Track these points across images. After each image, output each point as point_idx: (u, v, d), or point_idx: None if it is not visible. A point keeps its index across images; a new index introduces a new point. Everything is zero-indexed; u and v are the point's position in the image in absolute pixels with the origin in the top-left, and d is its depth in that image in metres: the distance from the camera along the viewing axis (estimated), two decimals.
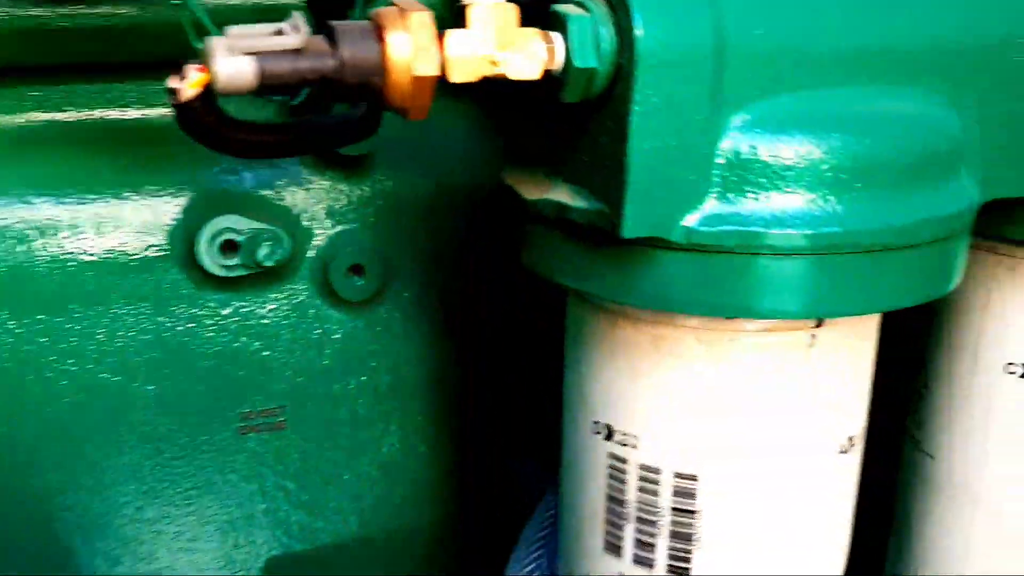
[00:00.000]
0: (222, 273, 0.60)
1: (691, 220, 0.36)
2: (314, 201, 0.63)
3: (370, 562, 0.67)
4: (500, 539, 0.62)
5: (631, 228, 0.35)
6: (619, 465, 0.44)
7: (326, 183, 0.63)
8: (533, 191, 0.40)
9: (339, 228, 0.64)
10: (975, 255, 0.54)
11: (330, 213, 0.63)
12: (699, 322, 0.41)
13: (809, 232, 0.36)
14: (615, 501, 0.45)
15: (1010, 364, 0.53)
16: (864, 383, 0.45)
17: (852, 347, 0.43)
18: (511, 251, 0.50)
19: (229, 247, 0.59)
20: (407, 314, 0.66)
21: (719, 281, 0.37)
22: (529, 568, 0.55)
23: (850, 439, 0.45)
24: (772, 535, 0.44)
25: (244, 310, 0.62)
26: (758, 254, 0.36)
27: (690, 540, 0.44)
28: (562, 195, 0.39)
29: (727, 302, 0.37)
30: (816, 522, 0.45)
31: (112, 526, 0.62)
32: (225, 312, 0.62)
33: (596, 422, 0.45)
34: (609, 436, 0.44)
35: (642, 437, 0.43)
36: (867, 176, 0.37)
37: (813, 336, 0.41)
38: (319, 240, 0.63)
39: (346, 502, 0.66)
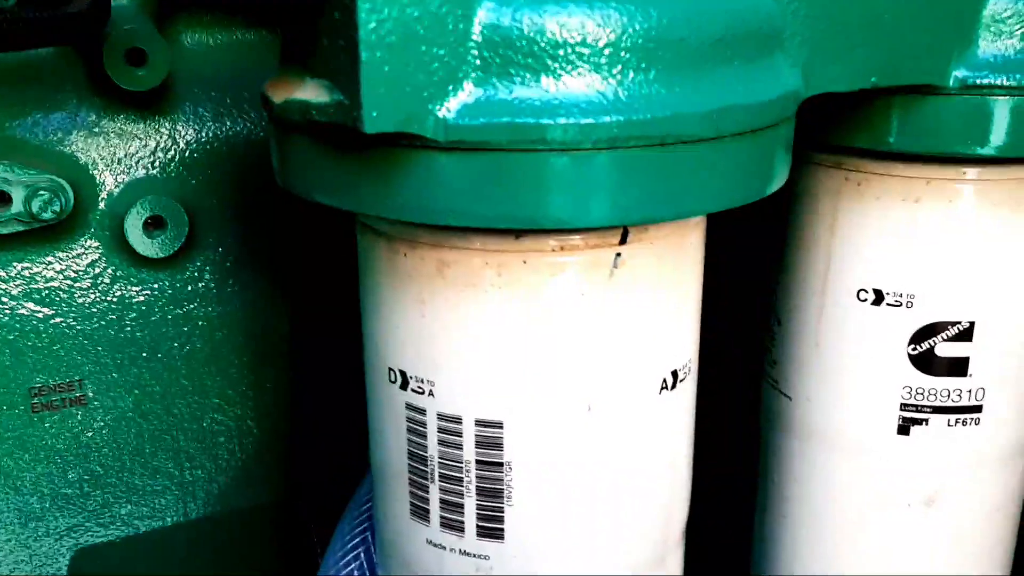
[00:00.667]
0: None
1: (447, 110, 0.30)
2: (102, 146, 0.56)
3: (194, 549, 0.61)
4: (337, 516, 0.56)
5: (374, 122, 0.29)
6: (417, 416, 0.38)
7: (116, 126, 0.56)
8: (281, 93, 0.34)
9: (133, 177, 0.57)
10: (820, 171, 0.49)
11: (122, 160, 0.56)
12: (485, 242, 0.35)
13: (590, 122, 0.30)
14: (417, 458, 0.39)
15: (862, 291, 0.49)
16: (686, 308, 0.40)
17: (667, 267, 0.38)
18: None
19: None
20: (221, 272, 0.59)
21: (491, 186, 0.31)
22: (347, 560, 0.49)
23: (674, 374, 0.40)
24: (594, 486, 0.39)
25: (26, 272, 0.55)
26: (531, 150, 0.31)
27: (501, 497, 0.38)
28: (308, 92, 0.32)
29: (501, 211, 0.32)
30: (643, 469, 0.40)
31: None
32: (2, 275, 0.54)
33: (390, 369, 0.39)
34: (404, 384, 0.38)
35: (438, 382, 0.37)
36: (656, 56, 0.31)
37: (618, 255, 0.36)
38: (110, 191, 0.56)
39: (163, 484, 0.59)
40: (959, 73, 0.42)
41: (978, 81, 0.42)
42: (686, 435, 0.42)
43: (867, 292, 0.49)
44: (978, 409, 0.50)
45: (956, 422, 0.50)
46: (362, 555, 0.48)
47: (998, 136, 0.43)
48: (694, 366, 0.42)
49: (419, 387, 0.38)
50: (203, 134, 0.57)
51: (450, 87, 0.30)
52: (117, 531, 0.59)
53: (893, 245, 0.48)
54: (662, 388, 0.39)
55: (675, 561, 0.45)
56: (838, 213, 0.49)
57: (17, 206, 0.52)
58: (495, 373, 0.37)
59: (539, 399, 0.37)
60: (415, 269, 0.37)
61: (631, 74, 0.31)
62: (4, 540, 0.56)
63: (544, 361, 0.36)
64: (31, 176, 0.52)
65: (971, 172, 0.46)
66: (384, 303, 0.38)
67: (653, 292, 0.37)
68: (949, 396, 0.49)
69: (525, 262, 0.35)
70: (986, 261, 0.47)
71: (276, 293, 0.60)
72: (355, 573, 0.48)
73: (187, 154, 0.57)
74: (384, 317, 0.39)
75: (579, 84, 0.31)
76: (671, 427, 0.40)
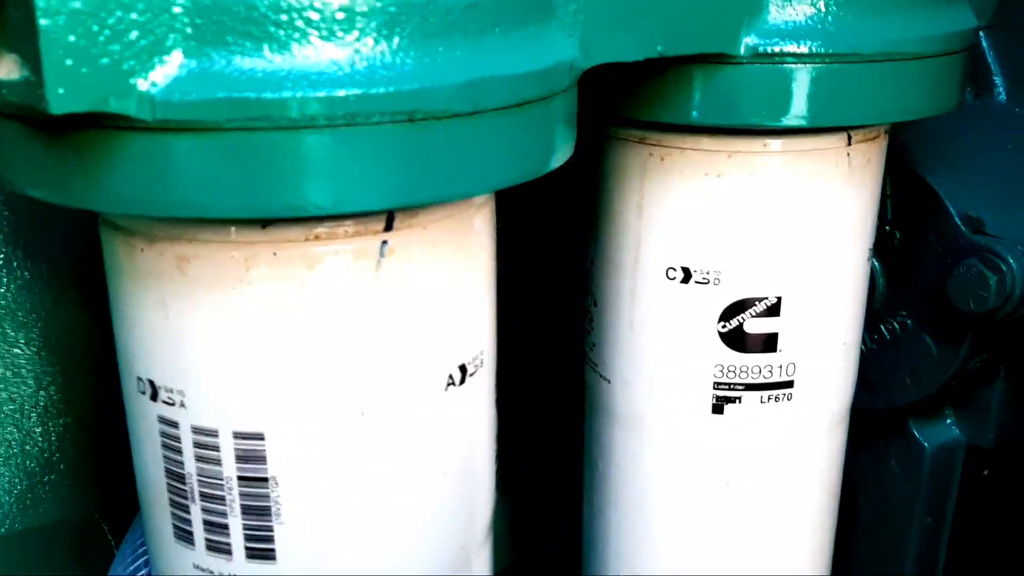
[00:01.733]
0: None
1: (152, 85, 0.26)
2: None
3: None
4: None
5: (61, 100, 0.25)
6: (170, 431, 0.34)
7: None
8: None
9: None
10: (627, 147, 0.47)
11: None
12: (228, 233, 0.31)
13: (322, 95, 0.27)
14: (175, 476, 0.35)
15: (671, 269, 0.47)
16: (473, 297, 0.37)
17: (444, 254, 0.35)
18: None
19: None
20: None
21: (214, 170, 0.27)
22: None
23: (462, 368, 0.37)
24: (375, 496, 0.35)
25: None
26: (258, 128, 0.27)
27: (268, 515, 0.34)
28: (2, 70, 0.28)
29: (228, 200, 0.28)
30: (432, 473, 0.37)
31: None
32: None
33: (139, 378, 0.35)
34: (154, 395, 0.34)
35: (189, 392, 0.33)
36: (399, 22, 0.28)
37: (384, 243, 0.33)
38: None
39: None
40: (750, 40, 0.40)
41: (769, 49, 0.40)
42: (482, 431, 0.40)
43: (675, 270, 0.47)
44: (789, 384, 0.49)
45: (769, 398, 0.49)
46: None
47: (797, 106, 0.42)
48: (488, 357, 0.39)
49: (169, 398, 0.34)
50: None
51: (155, 59, 0.26)
52: None
53: (699, 221, 0.46)
54: (448, 384, 0.36)
55: (482, 562, 0.43)
56: (644, 190, 0.47)
57: None
58: (251, 380, 0.33)
59: (304, 406, 0.33)
60: (154, 266, 0.32)
61: (370, 42, 0.28)
62: None
63: (306, 364, 0.33)
64: None
65: (772, 144, 0.45)
66: (127, 305, 0.34)
67: (430, 283, 0.34)
68: (760, 372, 0.48)
69: (275, 254, 0.31)
70: (790, 235, 0.46)
71: (63, 292, 0.54)
72: None
73: None
74: (128, 321, 0.34)
75: (310, 54, 0.27)
76: (461, 425, 0.38)
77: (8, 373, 0.54)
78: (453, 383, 0.36)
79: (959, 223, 0.60)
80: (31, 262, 0.53)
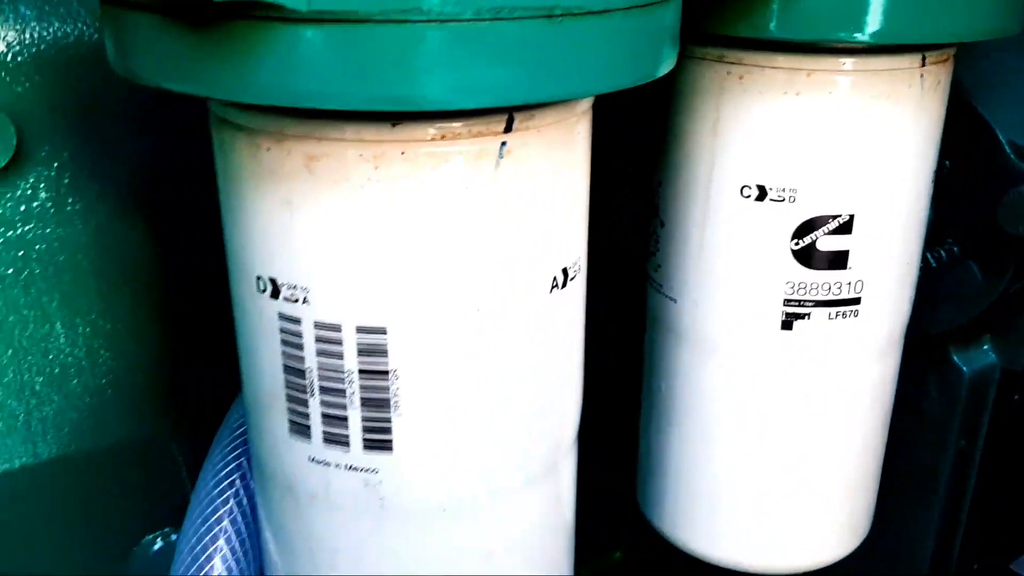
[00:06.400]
0: None
1: None
2: None
3: (46, 492, 0.56)
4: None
5: None
6: (292, 327, 0.35)
7: None
8: None
9: None
10: (703, 66, 0.48)
11: None
12: (359, 132, 0.32)
13: None
14: (294, 372, 0.36)
15: (745, 187, 0.48)
16: (576, 204, 0.38)
17: (555, 158, 0.36)
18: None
19: None
20: (57, 188, 0.53)
21: (361, 63, 0.28)
22: (222, 488, 0.46)
23: (564, 272, 0.38)
24: (485, 392, 0.37)
25: None
26: (406, 21, 0.28)
27: (387, 407, 0.36)
28: None
29: (373, 92, 0.29)
30: (535, 372, 0.38)
31: None
32: None
33: (259, 277, 0.36)
34: (275, 293, 0.35)
35: (312, 289, 0.35)
36: None
37: (503, 144, 0.33)
38: None
39: (7, 423, 0.54)
40: None
41: None
42: (577, 336, 0.41)
43: (750, 188, 0.48)
44: (856, 301, 0.50)
45: (836, 315, 0.50)
46: (237, 482, 0.45)
47: (874, 21, 0.43)
48: (583, 264, 0.40)
49: (292, 295, 0.35)
50: (26, 36, 0.51)
51: None
52: None
53: (776, 140, 0.47)
54: (552, 287, 0.37)
55: (568, 466, 0.44)
56: (721, 109, 0.48)
57: None
58: (375, 276, 0.34)
59: (425, 302, 0.34)
60: (280, 166, 0.33)
61: None
62: None
63: (428, 261, 0.34)
64: None
65: (849, 63, 0.46)
66: (247, 206, 0.35)
67: (542, 185, 0.35)
68: (830, 289, 0.49)
69: (403, 153, 0.32)
70: (865, 153, 0.47)
71: (129, 211, 0.55)
72: (231, 501, 0.45)
73: (8, 59, 0.51)
74: (248, 222, 0.35)
75: None
76: (561, 327, 0.39)
77: (74, 291, 0.55)
78: (556, 285, 0.38)
79: (1009, 151, 0.61)
80: (97, 184, 0.54)
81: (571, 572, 0.47)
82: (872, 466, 0.58)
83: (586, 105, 0.37)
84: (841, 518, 0.57)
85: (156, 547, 0.61)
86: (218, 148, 0.36)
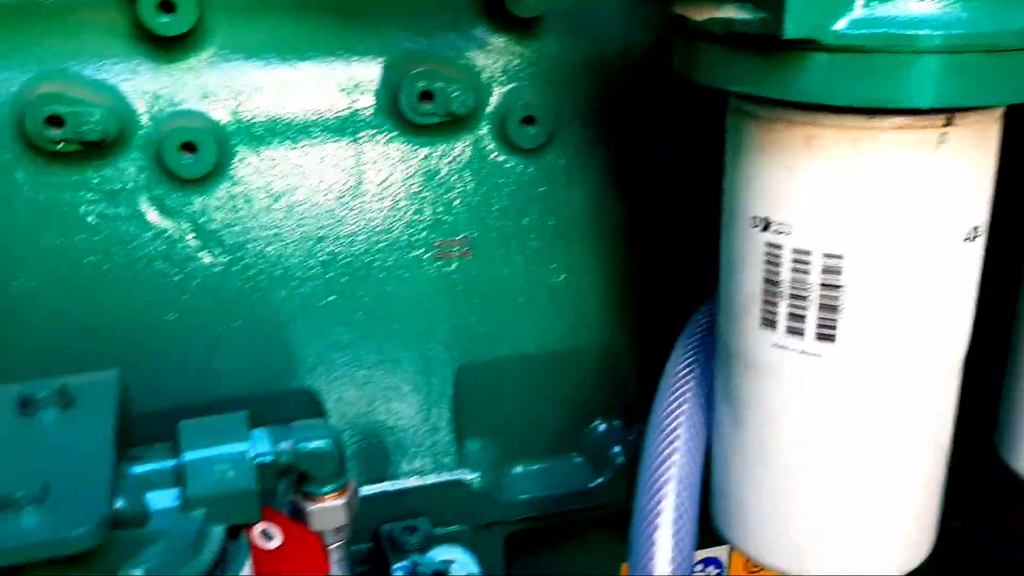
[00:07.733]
0: (420, 120, 0.70)
1: (841, 24, 0.44)
2: (492, 60, 0.73)
3: (543, 373, 0.79)
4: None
5: (790, 31, 0.44)
6: (775, 252, 0.53)
7: (502, 44, 0.73)
8: (701, 14, 0.49)
9: (513, 84, 0.73)
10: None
11: (505, 71, 0.73)
12: (845, 120, 0.49)
13: (941, 32, 0.43)
14: (771, 283, 0.54)
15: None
16: (987, 180, 0.52)
17: (977, 146, 0.50)
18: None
19: (425, 96, 0.70)
20: (571, 162, 0.76)
21: (864, 77, 0.45)
22: (684, 370, 0.65)
23: (975, 228, 0.52)
24: (905, 308, 0.52)
25: (436, 155, 0.73)
26: (895, 51, 0.44)
27: (836, 311, 0.52)
28: (728, 12, 0.47)
29: (870, 95, 0.45)
30: (941, 300, 0.53)
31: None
32: (421, 154, 0.73)
33: (755, 216, 0.54)
34: (766, 227, 0.53)
35: (795, 225, 0.52)
36: None
37: (943, 134, 0.49)
38: (497, 94, 0.73)
39: (522, 321, 0.77)
40: None
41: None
42: (974, 287, 0.55)
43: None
44: None
45: None
46: (697, 369, 0.64)
47: None
48: (984, 230, 0.54)
49: (779, 229, 0.53)
50: (566, 53, 0.73)
51: (846, 8, 0.44)
52: (487, 355, 0.77)
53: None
54: (966, 238, 0.52)
55: (951, 386, 0.58)
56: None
57: (437, 103, 0.70)
58: (841, 219, 0.51)
59: (873, 238, 0.51)
60: (785, 141, 0.51)
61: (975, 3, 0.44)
62: (410, 357, 0.76)
63: (879, 210, 0.50)
64: (445, 80, 0.70)
65: None
66: (753, 170, 0.53)
67: (965, 163, 0.50)
68: None
69: (873, 137, 0.49)
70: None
71: (614, 187, 0.76)
72: (692, 381, 0.64)
73: (551, 66, 0.73)
74: (753, 180, 0.53)
75: (933, 6, 0.44)
76: (966, 275, 0.53)
77: (572, 240, 0.76)
78: (968, 239, 0.52)
79: None
80: (596, 161, 0.75)
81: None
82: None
83: (999, 113, 0.52)
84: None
85: (601, 429, 0.83)
86: (733, 129, 0.54)
